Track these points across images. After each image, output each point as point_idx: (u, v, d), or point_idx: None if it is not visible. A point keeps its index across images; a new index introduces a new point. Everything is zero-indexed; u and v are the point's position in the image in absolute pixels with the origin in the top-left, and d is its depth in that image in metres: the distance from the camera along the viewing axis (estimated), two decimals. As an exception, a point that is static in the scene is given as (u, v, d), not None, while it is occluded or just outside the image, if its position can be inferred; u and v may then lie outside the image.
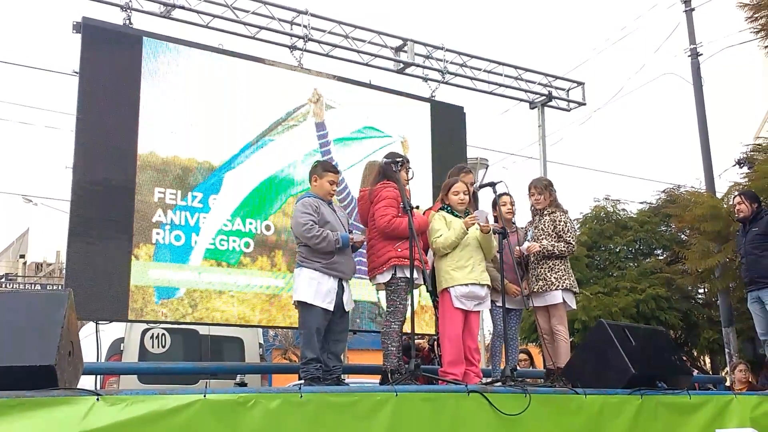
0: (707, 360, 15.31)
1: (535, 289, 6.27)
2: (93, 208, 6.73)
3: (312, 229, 5.38)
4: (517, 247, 6.35)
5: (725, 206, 10.54)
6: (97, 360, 7.32)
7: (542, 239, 6.34)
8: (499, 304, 5.93)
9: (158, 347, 8.11)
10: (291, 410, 3.93)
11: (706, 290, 13.02)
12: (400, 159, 5.91)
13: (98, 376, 7.39)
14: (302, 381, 5.46)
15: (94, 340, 7.26)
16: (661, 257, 14.06)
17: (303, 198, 5.66)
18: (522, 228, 6.71)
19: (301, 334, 5.60)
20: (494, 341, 6.38)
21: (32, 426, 3.25)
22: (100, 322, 7.05)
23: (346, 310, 5.64)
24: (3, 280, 28.19)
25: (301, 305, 5.46)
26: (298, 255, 5.59)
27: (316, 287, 5.38)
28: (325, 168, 5.80)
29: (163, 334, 8.13)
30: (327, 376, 5.39)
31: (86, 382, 5.65)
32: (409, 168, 6.06)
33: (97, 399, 3.42)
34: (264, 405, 3.84)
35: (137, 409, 3.50)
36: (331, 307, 5.41)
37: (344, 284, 5.58)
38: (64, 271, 7.35)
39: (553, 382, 5.72)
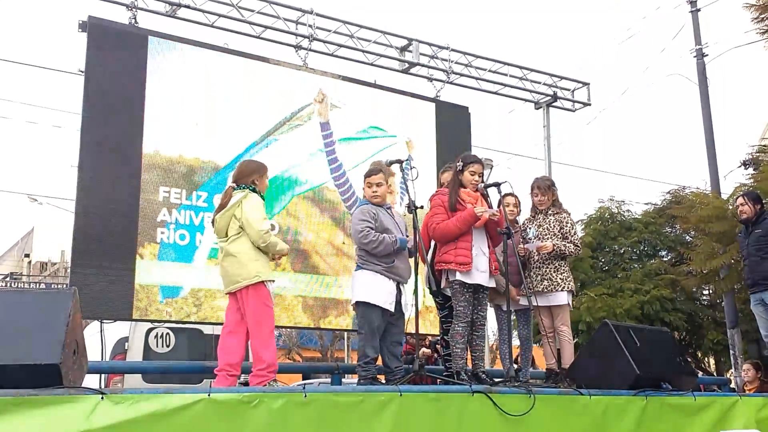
0: (712, 361, 15.29)
1: (540, 289, 6.21)
2: (98, 207, 6.75)
3: (369, 234, 5.42)
4: (522, 245, 6.31)
5: (730, 207, 10.52)
6: (102, 359, 7.33)
7: (547, 239, 6.30)
8: (505, 307, 5.89)
9: (162, 346, 8.12)
10: (295, 410, 3.93)
11: (710, 291, 13.01)
12: (459, 161, 5.85)
13: (103, 375, 7.41)
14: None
15: (99, 339, 7.27)
16: (666, 258, 14.04)
17: (360, 205, 5.69)
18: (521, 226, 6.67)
19: (360, 334, 5.62)
20: (501, 345, 6.38)
21: (37, 424, 3.26)
22: (104, 321, 7.07)
23: (404, 313, 5.63)
24: (8, 279, 28.28)
25: (361, 305, 5.47)
26: (358, 258, 5.62)
27: (377, 288, 5.43)
28: (366, 174, 5.79)
29: (167, 334, 8.15)
30: (390, 377, 5.42)
31: (91, 380, 5.65)
32: (413, 167, 6.06)
33: (102, 398, 3.44)
34: (268, 404, 3.85)
35: (141, 408, 3.51)
36: (391, 308, 5.46)
37: (402, 287, 5.60)
38: (68, 270, 7.35)
39: (558, 383, 5.70)
